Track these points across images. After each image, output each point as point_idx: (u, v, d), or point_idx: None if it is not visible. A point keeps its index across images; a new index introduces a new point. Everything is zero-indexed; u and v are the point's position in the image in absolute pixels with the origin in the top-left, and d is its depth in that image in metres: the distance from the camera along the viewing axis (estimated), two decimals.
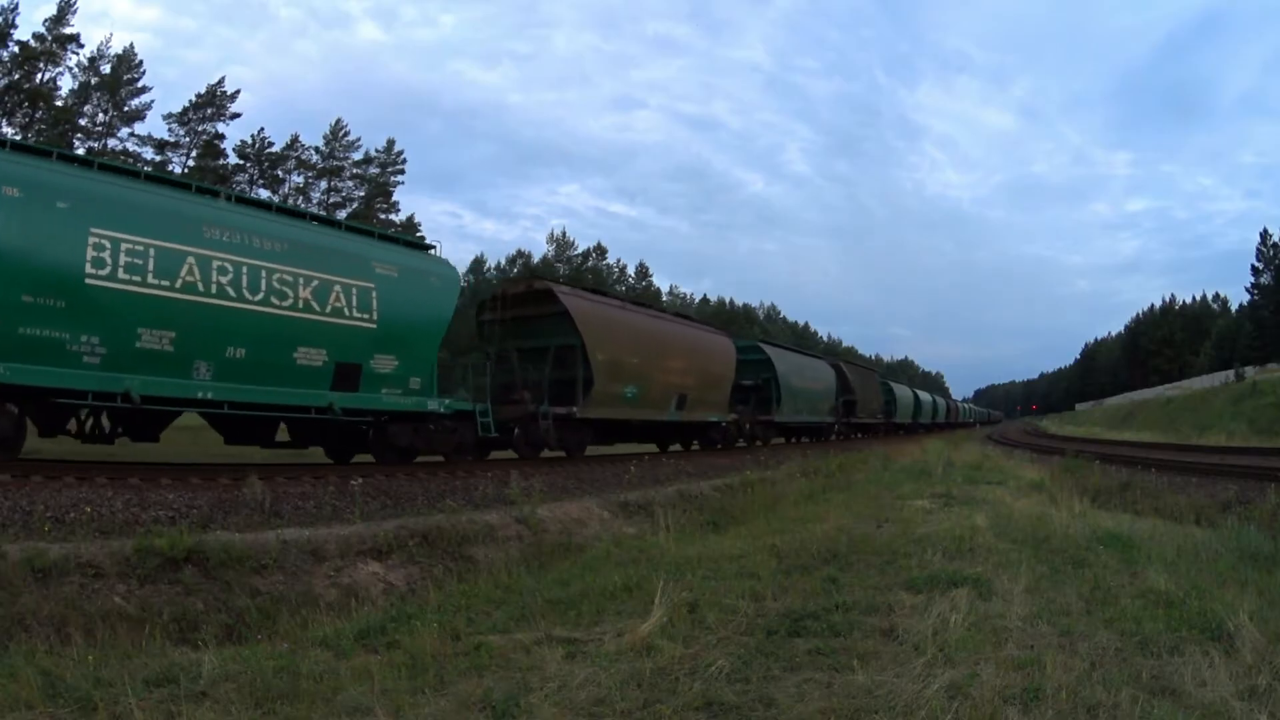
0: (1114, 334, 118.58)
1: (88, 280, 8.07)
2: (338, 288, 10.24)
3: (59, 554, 5.35)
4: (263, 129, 45.14)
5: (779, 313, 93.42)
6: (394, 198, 49.71)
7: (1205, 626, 3.90)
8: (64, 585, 5.19)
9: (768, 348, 25.10)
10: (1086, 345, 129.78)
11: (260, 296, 9.44)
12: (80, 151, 37.56)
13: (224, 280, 9.12)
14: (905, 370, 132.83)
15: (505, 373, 14.23)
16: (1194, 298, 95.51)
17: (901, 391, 45.80)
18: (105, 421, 9.41)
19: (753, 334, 39.79)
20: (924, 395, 56.63)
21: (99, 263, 8.15)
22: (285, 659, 3.90)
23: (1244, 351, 61.97)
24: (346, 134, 48.11)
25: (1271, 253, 68.47)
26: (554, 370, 14.54)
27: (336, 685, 3.52)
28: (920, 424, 50.37)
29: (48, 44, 36.36)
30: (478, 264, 58.50)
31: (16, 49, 34.70)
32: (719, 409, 19.92)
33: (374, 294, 10.64)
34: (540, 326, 14.79)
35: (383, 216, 47.20)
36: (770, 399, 23.48)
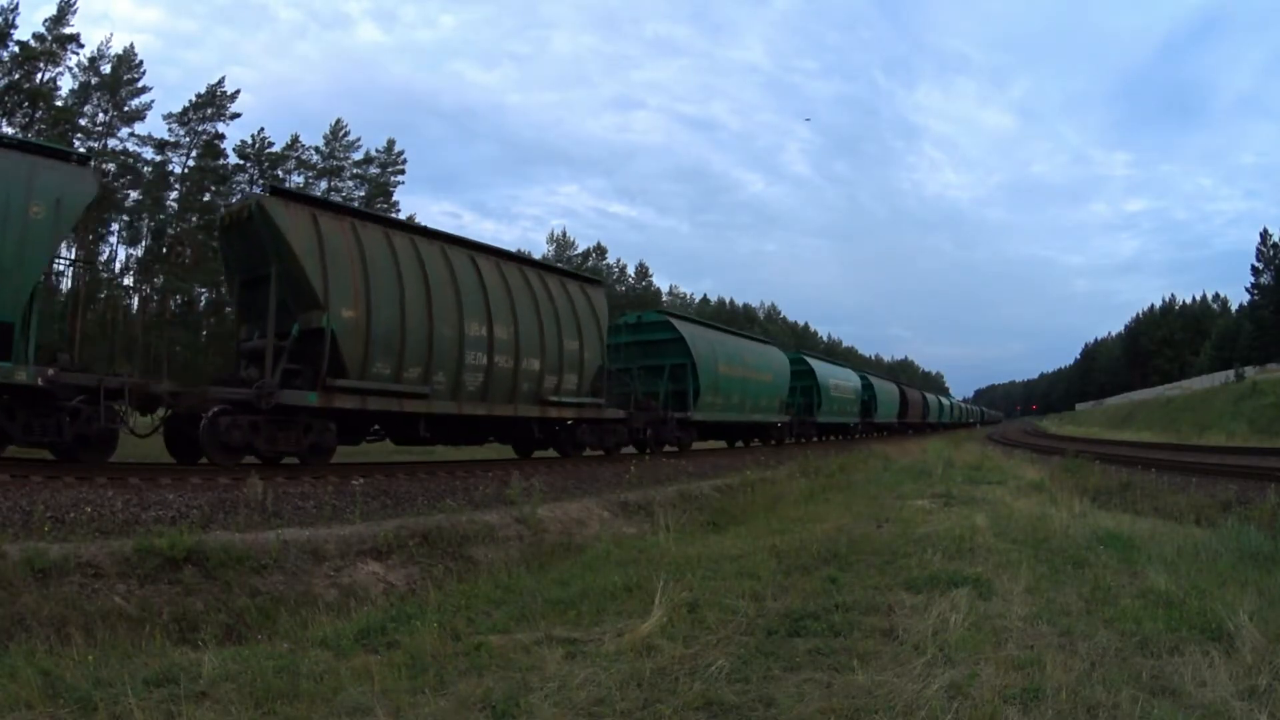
0: (1114, 334, 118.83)
1: None
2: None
3: (59, 554, 5.34)
4: (263, 129, 45.15)
5: (779, 313, 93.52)
6: (394, 198, 49.70)
7: (1205, 626, 3.89)
8: (64, 585, 5.18)
9: None
10: (1086, 345, 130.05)
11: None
12: (81, 151, 37.74)
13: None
14: (905, 370, 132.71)
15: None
16: (1194, 298, 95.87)
17: (736, 355, 20.82)
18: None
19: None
20: (837, 371, 32.28)
21: None
22: (285, 659, 3.90)
23: (1244, 351, 62.01)
24: (346, 134, 48.09)
25: (1271, 253, 68.47)
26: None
27: (336, 685, 3.51)
28: (818, 423, 28.13)
29: (48, 44, 36.31)
30: None
31: (16, 49, 34.68)
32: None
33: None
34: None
35: None
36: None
